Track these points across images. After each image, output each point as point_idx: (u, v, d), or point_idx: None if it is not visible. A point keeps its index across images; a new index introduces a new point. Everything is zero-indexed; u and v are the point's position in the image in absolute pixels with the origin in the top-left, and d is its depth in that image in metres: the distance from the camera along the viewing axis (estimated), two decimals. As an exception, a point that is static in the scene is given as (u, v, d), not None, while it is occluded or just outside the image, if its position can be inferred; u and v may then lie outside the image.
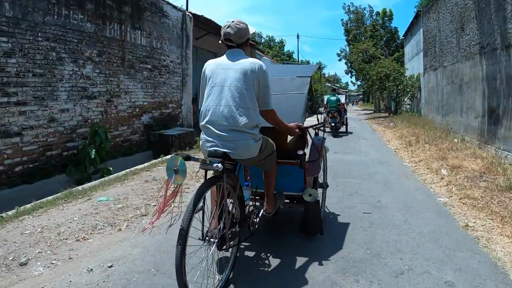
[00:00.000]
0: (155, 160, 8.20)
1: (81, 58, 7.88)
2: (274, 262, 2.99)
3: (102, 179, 6.67)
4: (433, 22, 17.47)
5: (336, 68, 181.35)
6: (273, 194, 3.04)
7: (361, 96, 65.10)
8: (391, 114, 23.60)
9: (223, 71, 2.61)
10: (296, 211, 3.90)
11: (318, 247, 3.29)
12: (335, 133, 12.87)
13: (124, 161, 8.79)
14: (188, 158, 2.25)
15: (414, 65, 23.57)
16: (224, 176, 2.42)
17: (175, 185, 2.28)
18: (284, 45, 67.11)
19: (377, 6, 67.79)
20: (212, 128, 2.53)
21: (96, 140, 7.65)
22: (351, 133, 13.92)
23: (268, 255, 3.10)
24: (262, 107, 2.66)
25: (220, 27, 2.84)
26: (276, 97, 3.11)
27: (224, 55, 2.74)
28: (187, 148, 9.75)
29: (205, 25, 13.70)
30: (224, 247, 2.47)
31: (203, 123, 2.59)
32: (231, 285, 2.61)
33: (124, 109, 9.35)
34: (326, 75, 71.07)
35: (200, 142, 2.66)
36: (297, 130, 3.04)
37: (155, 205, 4.82)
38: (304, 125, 3.20)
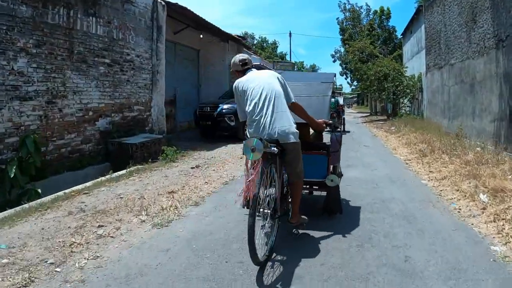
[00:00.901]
0: (102, 178, 6.41)
1: (11, 49, 6.11)
2: (305, 235, 3.59)
3: (20, 207, 4.92)
4: (438, 17, 15.94)
5: (331, 69, 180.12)
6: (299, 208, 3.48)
7: (355, 99, 63.68)
8: (390, 117, 22.00)
9: (254, 82, 3.35)
10: (316, 198, 4.58)
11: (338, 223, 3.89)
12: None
13: (72, 177, 7.03)
14: (260, 139, 2.85)
15: (414, 65, 22.06)
16: (277, 158, 3.13)
17: (253, 160, 2.93)
18: (277, 47, 65.91)
19: (374, 5, 66.52)
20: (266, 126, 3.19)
21: (23, 153, 5.86)
22: (348, 132, 14.13)
23: (300, 231, 3.62)
24: (289, 101, 3.39)
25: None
26: (306, 98, 3.91)
27: (247, 75, 3.49)
28: (151, 160, 7.96)
29: (181, 16, 11.96)
30: (276, 216, 3.17)
31: (256, 125, 3.23)
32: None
33: (72, 112, 7.55)
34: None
35: (251, 134, 3.21)
36: (324, 125, 3.78)
37: (52, 263, 3.08)
38: (329, 121, 3.89)
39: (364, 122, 21.70)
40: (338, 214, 4.11)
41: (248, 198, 2.83)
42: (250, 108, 3.24)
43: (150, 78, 10.12)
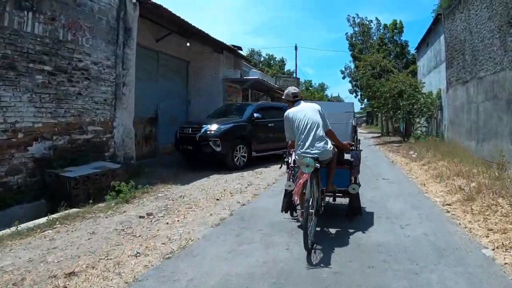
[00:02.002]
0: (3, 232, 4.32)
1: None
2: (334, 231, 4.57)
3: None
4: (461, 24, 13.95)
5: (340, 89, 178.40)
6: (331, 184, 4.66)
7: (364, 118, 61.37)
8: (405, 139, 19.75)
9: (301, 113, 4.34)
10: (340, 206, 5.56)
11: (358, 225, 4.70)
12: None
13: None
14: (316, 159, 4.00)
15: (431, 81, 19.91)
16: (318, 171, 4.14)
17: (306, 173, 3.85)
18: (284, 64, 64.08)
19: (384, 20, 64.56)
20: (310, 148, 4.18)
21: None
22: (361, 150, 12.65)
23: (330, 229, 4.64)
24: (325, 128, 4.38)
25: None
26: (333, 125, 4.66)
27: (295, 106, 4.51)
28: (91, 200, 5.87)
29: (161, 18, 10.05)
30: (318, 213, 4.22)
31: (303, 146, 4.21)
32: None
33: (-11, 134, 5.56)
34: (329, 96, 68.08)
35: (297, 156, 4.23)
36: (348, 146, 4.90)
37: None
38: (352, 143, 5.11)
39: (377, 144, 19.46)
40: (358, 216, 4.99)
41: (295, 202, 4.27)
42: (298, 133, 4.29)
43: (113, 92, 8.10)
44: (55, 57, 6.69)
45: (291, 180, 4.78)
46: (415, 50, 25.52)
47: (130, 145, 8.61)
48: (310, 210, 3.76)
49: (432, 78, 19.79)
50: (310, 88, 59.87)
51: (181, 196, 6.40)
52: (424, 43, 21.71)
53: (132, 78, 8.65)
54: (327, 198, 4.95)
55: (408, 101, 17.73)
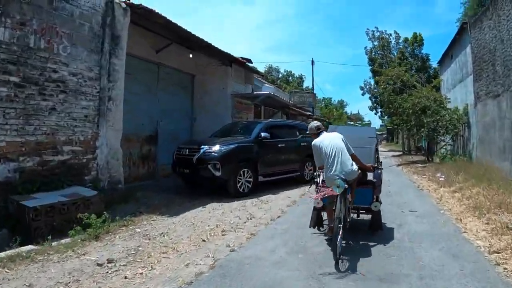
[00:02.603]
0: None
1: None
2: (359, 243, 4.95)
3: None
4: (490, 32, 12.74)
5: (360, 106, 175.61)
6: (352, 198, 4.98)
7: (384, 135, 59.40)
8: (429, 158, 18.26)
9: (326, 141, 4.87)
10: (363, 221, 5.88)
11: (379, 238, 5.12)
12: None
13: None
14: (344, 180, 4.46)
15: (457, 95, 18.50)
16: (346, 191, 4.55)
17: (336, 193, 4.37)
18: (303, 81, 62.65)
19: (403, 34, 62.89)
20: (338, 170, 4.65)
21: None
22: (382, 168, 12.07)
23: (355, 241, 5.00)
24: (350, 153, 4.84)
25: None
26: (358, 149, 5.12)
27: (320, 137, 5.01)
28: (48, 236, 4.83)
29: (151, 24, 9.15)
30: (345, 227, 4.57)
31: (331, 169, 4.68)
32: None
33: None
34: (349, 113, 66.63)
35: (326, 178, 4.77)
36: (371, 168, 5.25)
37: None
38: (375, 165, 5.50)
39: (399, 165, 17.94)
40: (379, 231, 5.40)
41: (329, 219, 4.93)
42: (326, 158, 4.74)
43: (96, 107, 7.14)
44: (23, 67, 5.79)
45: (319, 197, 5.07)
46: (438, 64, 24.13)
47: (116, 167, 7.60)
48: (339, 225, 4.27)
49: (458, 92, 18.37)
50: (330, 105, 58.58)
51: (162, 233, 5.28)
52: (448, 56, 20.37)
53: (120, 91, 7.69)
54: (353, 215, 5.56)
55: (433, 117, 16.35)
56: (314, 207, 5.19)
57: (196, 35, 9.87)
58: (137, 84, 10.33)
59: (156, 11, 7.98)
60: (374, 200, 5.25)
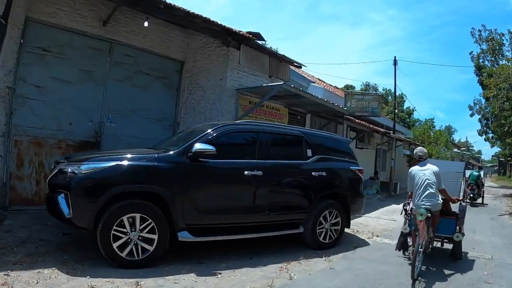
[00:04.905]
0: None
1: None
2: (441, 269, 5.28)
3: None
4: None
5: (469, 132, 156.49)
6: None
7: (496, 168, 49.06)
8: None
9: (421, 172, 5.37)
10: (445, 250, 6.14)
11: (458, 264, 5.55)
12: (472, 203, 13.70)
13: None
14: (429, 209, 5.05)
15: None
16: (429, 219, 5.05)
17: (421, 220, 4.92)
18: (404, 100, 56.43)
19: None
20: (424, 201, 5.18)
21: None
22: (486, 204, 13.84)
23: (434, 267, 5.34)
24: (439, 188, 5.34)
25: None
26: (446, 182, 5.53)
27: (418, 165, 5.53)
28: None
29: None
30: (426, 252, 5.00)
31: (419, 199, 5.22)
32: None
33: None
34: (456, 141, 59.51)
35: (413, 206, 5.29)
36: (456, 200, 5.76)
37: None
38: (460, 198, 5.91)
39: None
40: (459, 260, 5.70)
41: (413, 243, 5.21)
42: (417, 188, 5.29)
43: None
44: None
45: (407, 224, 5.59)
46: None
47: None
48: (419, 249, 4.70)
49: None
50: (432, 129, 51.23)
51: None
52: None
53: None
54: (438, 244, 6.10)
55: None
56: (401, 232, 5.65)
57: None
58: (70, 68, 7.27)
59: None
60: (457, 230, 5.58)
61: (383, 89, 54.89)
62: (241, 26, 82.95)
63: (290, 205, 5.65)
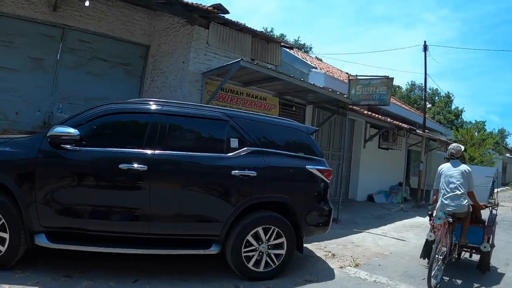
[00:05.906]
0: None
1: None
2: (466, 281, 5.04)
3: None
4: None
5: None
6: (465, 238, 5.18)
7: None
8: None
9: (450, 171, 5.08)
10: (473, 262, 5.68)
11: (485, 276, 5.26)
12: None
13: None
14: (451, 212, 4.82)
15: None
16: (451, 225, 4.80)
17: (439, 224, 4.62)
18: (451, 101, 52.35)
19: None
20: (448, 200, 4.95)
21: None
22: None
23: (458, 279, 5.08)
24: (468, 190, 4.98)
25: None
26: (476, 188, 5.20)
27: (449, 164, 5.20)
28: None
29: None
30: (445, 260, 4.74)
31: (441, 200, 5.05)
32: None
33: None
34: (510, 145, 54.55)
35: (438, 207, 5.04)
36: (483, 206, 5.40)
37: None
38: (488, 205, 5.62)
39: None
40: (487, 272, 5.34)
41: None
42: (442, 187, 5.07)
43: None
44: None
45: (432, 231, 5.16)
46: None
47: None
48: (436, 256, 4.39)
49: None
50: (485, 133, 46.21)
51: None
52: None
53: None
54: (466, 254, 5.80)
55: None
56: (427, 239, 5.31)
57: None
58: (19, 56, 7.03)
59: None
60: (485, 240, 5.23)
61: (429, 88, 50.74)
62: (292, 30, 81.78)
63: (192, 214, 4.14)
